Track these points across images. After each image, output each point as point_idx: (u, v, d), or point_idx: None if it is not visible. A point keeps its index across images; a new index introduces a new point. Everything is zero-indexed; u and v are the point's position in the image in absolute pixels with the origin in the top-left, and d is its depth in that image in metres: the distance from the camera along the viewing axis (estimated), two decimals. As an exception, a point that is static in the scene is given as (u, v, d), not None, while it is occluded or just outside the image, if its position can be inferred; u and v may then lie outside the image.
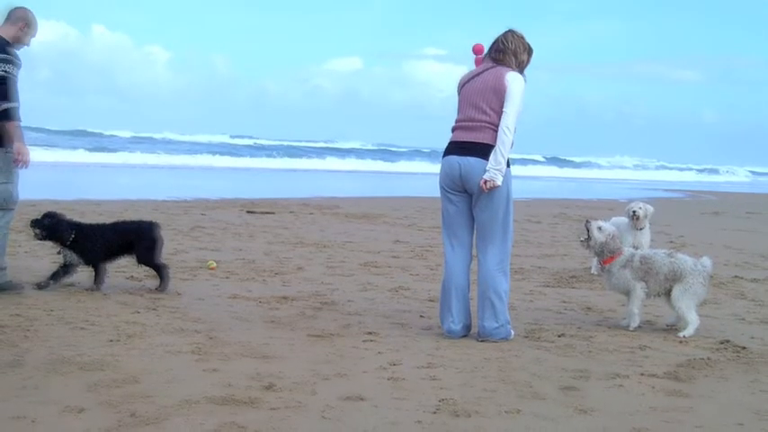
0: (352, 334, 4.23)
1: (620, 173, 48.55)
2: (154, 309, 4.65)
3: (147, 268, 5.19)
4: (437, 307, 4.40)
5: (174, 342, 3.87)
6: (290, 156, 37.76)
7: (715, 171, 60.22)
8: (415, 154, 48.35)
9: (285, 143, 47.74)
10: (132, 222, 5.28)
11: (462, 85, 4.25)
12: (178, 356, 3.61)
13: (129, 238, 5.15)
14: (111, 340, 3.85)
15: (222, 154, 34.41)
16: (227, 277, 5.85)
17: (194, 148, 36.16)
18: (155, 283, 5.17)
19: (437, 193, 4.29)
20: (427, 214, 11.93)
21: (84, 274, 5.15)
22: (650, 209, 6.37)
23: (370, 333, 4.26)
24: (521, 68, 4.16)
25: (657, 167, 59.12)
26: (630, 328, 4.52)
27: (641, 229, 6.31)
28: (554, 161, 54.77)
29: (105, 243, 5.10)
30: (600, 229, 4.64)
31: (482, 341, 4.11)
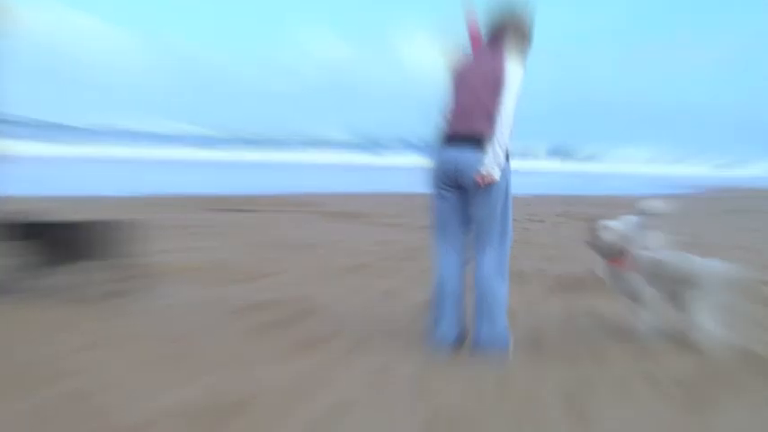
0: (340, 340, 4.27)
1: (630, 166, 48.84)
2: (128, 314, 4.68)
3: (123, 270, 5.19)
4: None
5: (150, 349, 3.90)
6: (272, 148, 37.72)
7: (733, 165, 60.60)
8: (404, 146, 48.35)
9: (265, 137, 47.68)
10: (106, 221, 5.29)
11: (457, 72, 4.21)
12: (155, 364, 3.65)
13: (104, 238, 5.16)
14: (84, 348, 3.88)
15: (201, 146, 34.35)
16: (206, 281, 5.87)
17: (169, 140, 36.06)
18: (131, 286, 5.18)
19: (428, 188, 4.26)
20: (418, 212, 11.97)
21: (53, 277, 5.15)
22: (663, 207, 6.39)
23: (359, 339, 4.31)
24: (521, 55, 4.16)
25: (671, 161, 59.48)
26: (639, 335, 4.58)
27: (653, 228, 6.32)
28: (557, 153, 54.98)
29: (78, 243, 5.11)
30: (608, 228, 4.68)
31: (479, 349, 4.15)
